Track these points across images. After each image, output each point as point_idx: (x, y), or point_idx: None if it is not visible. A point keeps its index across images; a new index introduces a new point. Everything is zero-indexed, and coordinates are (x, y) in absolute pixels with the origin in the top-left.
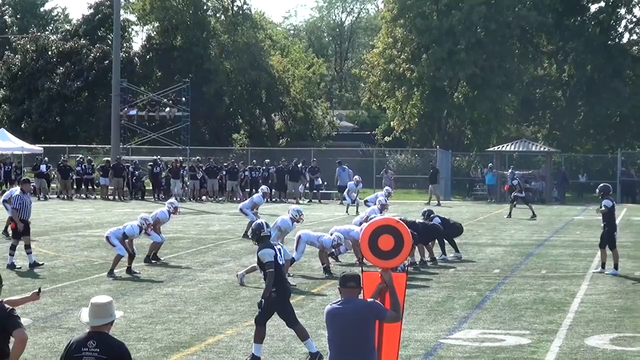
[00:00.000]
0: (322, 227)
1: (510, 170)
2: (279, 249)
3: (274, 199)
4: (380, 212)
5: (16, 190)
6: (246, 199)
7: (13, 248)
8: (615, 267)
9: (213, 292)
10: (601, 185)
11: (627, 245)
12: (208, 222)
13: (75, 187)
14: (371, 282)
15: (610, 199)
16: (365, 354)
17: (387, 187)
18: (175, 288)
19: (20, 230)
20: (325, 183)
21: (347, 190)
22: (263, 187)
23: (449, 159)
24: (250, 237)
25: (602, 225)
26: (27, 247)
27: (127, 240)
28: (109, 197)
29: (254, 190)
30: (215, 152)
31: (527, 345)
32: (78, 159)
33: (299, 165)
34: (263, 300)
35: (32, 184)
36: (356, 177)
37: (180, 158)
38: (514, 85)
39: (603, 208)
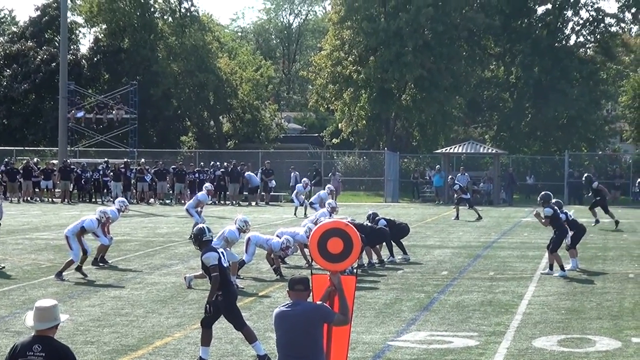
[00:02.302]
0: (270, 229)
1: (450, 177)
2: (222, 252)
3: (221, 201)
4: (330, 215)
5: None
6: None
7: None
8: (562, 268)
9: (161, 294)
10: (542, 193)
11: None
12: (156, 225)
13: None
14: (320, 285)
15: (550, 206)
16: (313, 357)
17: (329, 185)
18: (122, 291)
19: None
20: (274, 185)
21: (295, 192)
22: (207, 184)
23: (397, 160)
24: (192, 242)
25: (554, 230)
26: None
27: (84, 235)
28: (57, 199)
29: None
30: (163, 155)
31: (475, 347)
32: (24, 161)
33: (261, 169)
34: (208, 305)
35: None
36: (304, 179)
37: (126, 160)
38: (462, 87)
39: (544, 219)
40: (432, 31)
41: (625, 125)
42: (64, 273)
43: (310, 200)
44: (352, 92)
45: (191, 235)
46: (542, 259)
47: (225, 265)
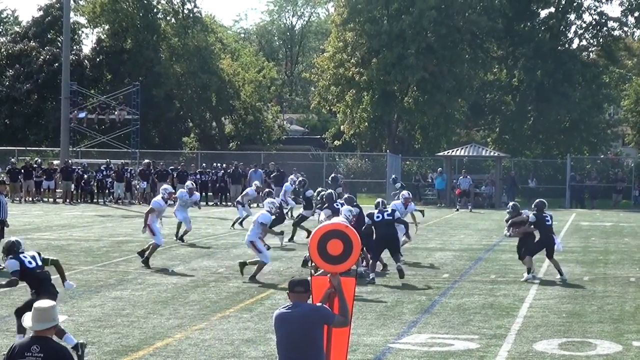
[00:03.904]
0: None
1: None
2: (31, 256)
3: (223, 203)
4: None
5: None
6: None
7: None
8: (528, 271)
9: (162, 295)
10: (537, 201)
11: (577, 250)
12: None
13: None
14: (320, 287)
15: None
16: (313, 358)
17: (291, 177)
18: (124, 291)
19: None
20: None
21: (282, 192)
22: (188, 182)
23: (399, 163)
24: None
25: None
26: None
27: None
28: (58, 199)
29: (203, 193)
30: (165, 155)
31: (476, 350)
32: (26, 161)
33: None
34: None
35: (6, 184)
36: (291, 176)
37: (148, 162)
38: (464, 90)
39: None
40: (435, 34)
41: (627, 129)
42: (257, 277)
43: (237, 200)
44: (354, 94)
45: (176, 234)
46: (543, 262)
47: (31, 266)
